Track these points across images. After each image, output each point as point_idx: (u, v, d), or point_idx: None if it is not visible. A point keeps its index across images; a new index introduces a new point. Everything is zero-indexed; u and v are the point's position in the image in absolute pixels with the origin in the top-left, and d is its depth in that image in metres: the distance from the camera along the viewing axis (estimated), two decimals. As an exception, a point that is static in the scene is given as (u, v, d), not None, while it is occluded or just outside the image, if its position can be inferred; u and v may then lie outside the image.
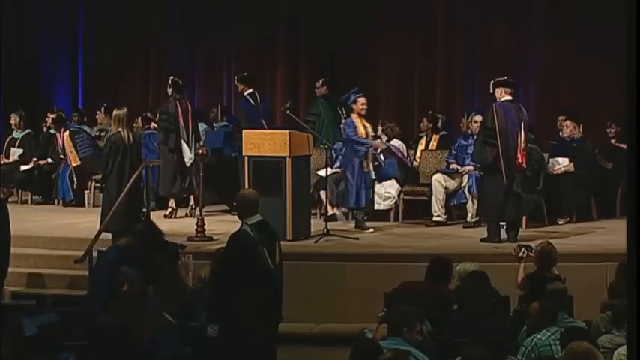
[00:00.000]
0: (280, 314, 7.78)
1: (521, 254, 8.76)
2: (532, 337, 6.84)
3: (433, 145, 13.44)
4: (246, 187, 10.91)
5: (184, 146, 12.75)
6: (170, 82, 13.00)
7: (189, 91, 14.17)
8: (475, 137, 11.67)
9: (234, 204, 8.32)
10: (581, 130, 12.77)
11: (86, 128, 14.98)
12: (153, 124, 14.04)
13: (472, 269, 8.19)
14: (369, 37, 15.63)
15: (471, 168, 12.21)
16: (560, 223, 12.34)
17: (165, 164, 12.79)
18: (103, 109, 14.98)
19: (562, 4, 14.83)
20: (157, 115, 13.82)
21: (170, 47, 16.57)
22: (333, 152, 12.97)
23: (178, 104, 12.87)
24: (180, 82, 13.13)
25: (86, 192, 14.15)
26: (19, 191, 14.73)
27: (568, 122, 12.75)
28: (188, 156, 12.69)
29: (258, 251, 7.54)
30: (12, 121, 14.97)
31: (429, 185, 12.44)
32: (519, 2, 15.07)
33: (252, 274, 7.51)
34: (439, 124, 13.88)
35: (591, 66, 14.53)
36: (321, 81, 14.19)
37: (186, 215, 12.80)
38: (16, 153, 14.84)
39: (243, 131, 11.82)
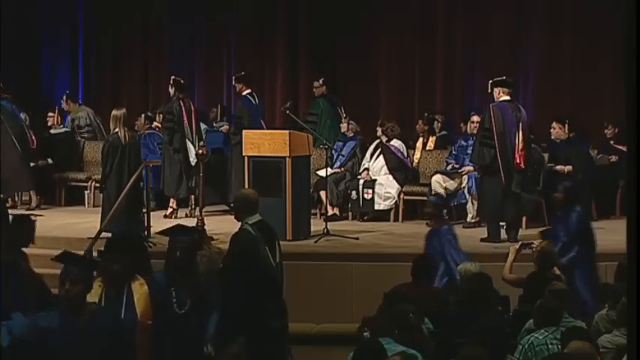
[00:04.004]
0: (282, 313, 7.79)
1: (523, 251, 8.80)
2: (529, 336, 6.84)
3: (430, 146, 13.42)
4: (246, 186, 10.91)
5: (189, 146, 12.74)
6: (172, 82, 12.97)
7: (189, 91, 14.15)
8: (474, 138, 11.67)
9: (232, 204, 8.28)
10: (566, 131, 12.74)
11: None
12: (155, 123, 14.03)
13: (474, 270, 8.18)
14: (369, 37, 15.63)
15: (471, 168, 12.20)
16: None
17: (171, 164, 12.79)
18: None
19: (562, 4, 14.83)
20: (160, 114, 13.82)
21: (170, 47, 16.57)
22: (333, 152, 12.97)
23: (182, 104, 12.86)
24: (183, 81, 13.13)
25: (86, 192, 14.15)
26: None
27: (554, 124, 12.73)
28: (193, 156, 12.67)
29: (261, 250, 7.55)
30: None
31: (429, 185, 12.44)
32: (519, 2, 15.07)
33: (256, 272, 7.52)
34: (435, 125, 13.87)
35: (591, 67, 14.53)
36: (320, 81, 14.13)
37: (187, 215, 12.79)
38: (16, 153, 14.80)
39: (244, 131, 11.82)
